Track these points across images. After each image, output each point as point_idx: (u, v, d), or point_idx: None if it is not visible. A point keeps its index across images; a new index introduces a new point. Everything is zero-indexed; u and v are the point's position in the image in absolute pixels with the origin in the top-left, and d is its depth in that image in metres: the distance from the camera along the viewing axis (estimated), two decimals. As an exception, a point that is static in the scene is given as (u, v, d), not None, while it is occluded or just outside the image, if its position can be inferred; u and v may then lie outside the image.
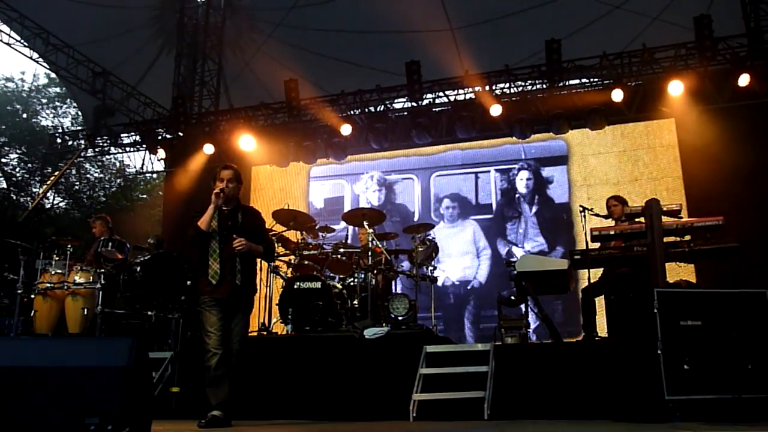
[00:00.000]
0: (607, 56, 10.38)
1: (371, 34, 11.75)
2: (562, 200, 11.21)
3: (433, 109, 11.44)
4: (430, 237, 8.17)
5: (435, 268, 8.16)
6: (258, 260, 5.45)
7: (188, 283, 7.43)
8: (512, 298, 6.98)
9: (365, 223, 7.61)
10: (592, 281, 6.94)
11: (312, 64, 12.51)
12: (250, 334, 5.91)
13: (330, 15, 11.72)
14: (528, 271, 6.58)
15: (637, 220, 6.38)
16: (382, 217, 8.02)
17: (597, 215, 7.09)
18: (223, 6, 13.23)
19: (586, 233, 6.38)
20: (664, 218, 5.91)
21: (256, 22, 13.09)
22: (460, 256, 11.41)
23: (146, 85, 13.66)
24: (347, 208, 11.67)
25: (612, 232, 6.26)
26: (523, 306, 6.86)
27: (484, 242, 11.43)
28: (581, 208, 6.96)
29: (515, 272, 6.69)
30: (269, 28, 12.77)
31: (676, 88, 9.79)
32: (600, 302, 7.03)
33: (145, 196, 26.43)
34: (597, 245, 6.40)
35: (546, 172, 11.43)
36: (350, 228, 8.50)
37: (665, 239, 5.82)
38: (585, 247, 6.43)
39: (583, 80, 10.84)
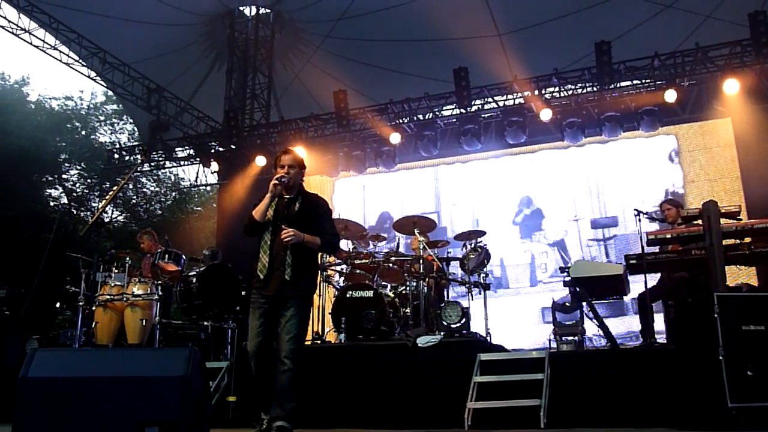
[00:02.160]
0: (659, 56, 10.17)
1: (418, 43, 11.78)
2: (616, 204, 11.03)
3: (482, 116, 11.38)
4: (481, 244, 8.12)
5: (487, 275, 8.10)
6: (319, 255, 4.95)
7: (243, 293, 7.54)
8: (567, 304, 6.88)
9: (416, 231, 7.60)
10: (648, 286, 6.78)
11: (360, 74, 12.62)
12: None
13: (376, 25, 11.79)
14: (582, 277, 6.48)
15: (694, 222, 6.21)
16: (432, 225, 8.01)
17: (652, 219, 6.95)
18: (272, 20, 13.44)
19: (641, 237, 6.25)
20: (723, 220, 5.74)
21: (304, 35, 13.26)
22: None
23: (199, 100, 13.98)
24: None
25: (669, 236, 6.12)
26: (578, 312, 6.75)
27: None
28: (636, 212, 6.82)
29: (569, 278, 6.59)
30: (317, 40, 12.92)
31: (731, 87, 9.53)
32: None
33: (199, 208, 26.98)
34: (652, 249, 6.27)
35: (599, 175, 11.28)
36: (402, 236, 8.49)
37: (724, 242, 5.65)
38: (641, 252, 6.29)
39: (635, 82, 10.64)
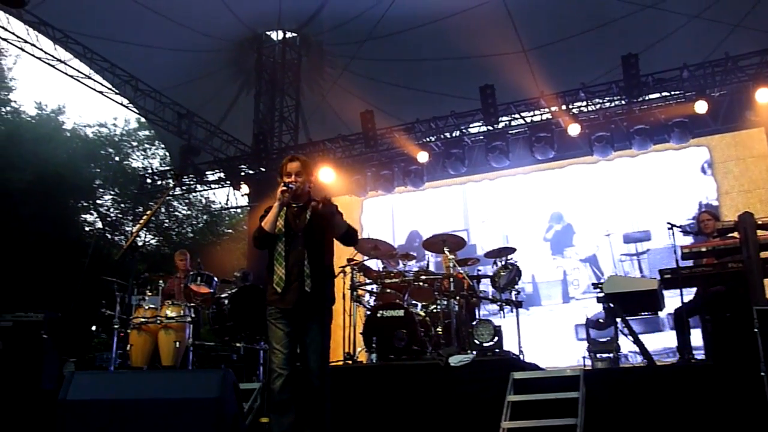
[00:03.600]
0: (688, 67, 10.06)
1: (444, 61, 11.81)
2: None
3: (509, 132, 11.35)
4: (512, 261, 8.05)
5: (519, 292, 8.02)
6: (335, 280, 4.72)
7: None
8: (600, 320, 6.78)
9: (446, 249, 7.57)
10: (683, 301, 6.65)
11: (386, 95, 12.69)
12: (334, 364, 5.93)
13: (402, 45, 11.86)
14: (616, 292, 6.38)
15: (730, 235, 6.09)
16: (462, 243, 7.97)
17: (686, 232, 6.83)
18: (299, 43, 13.59)
19: (675, 251, 6.14)
20: (760, 232, 5.62)
21: (330, 57, 13.39)
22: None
23: (228, 124, 14.15)
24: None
25: (704, 249, 6.00)
26: (612, 328, 6.65)
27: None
28: (669, 225, 6.71)
29: (602, 294, 6.50)
30: (344, 62, 13.03)
31: (764, 96, 9.38)
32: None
33: (230, 230, 27.21)
34: (686, 263, 6.15)
35: (629, 189, 11.15)
36: (431, 255, 8.46)
37: (762, 254, 5.52)
38: (675, 266, 6.18)
39: (664, 94, 10.53)
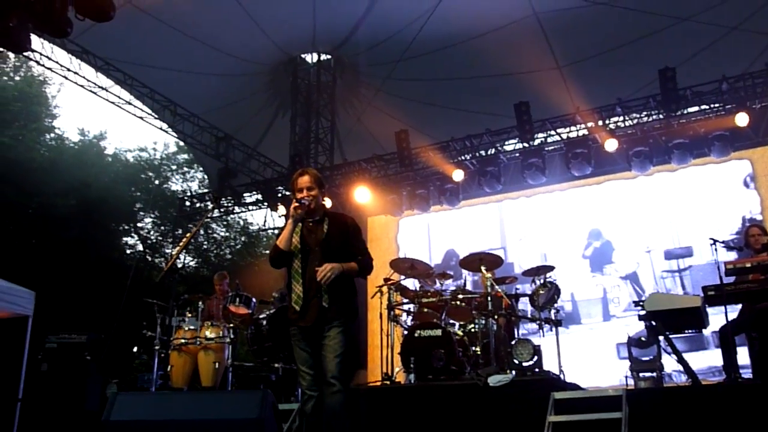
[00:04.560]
0: (727, 80, 9.90)
1: (478, 80, 11.81)
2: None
3: (546, 149, 11.28)
4: (550, 279, 7.97)
5: (558, 311, 7.93)
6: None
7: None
8: (643, 339, 6.66)
9: (483, 268, 7.53)
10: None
11: (421, 114, 12.72)
12: (372, 384, 5.91)
13: (435, 64, 11.89)
14: (658, 310, 6.27)
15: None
16: (499, 261, 7.92)
17: (729, 248, 6.68)
18: (334, 65, 13.72)
19: (719, 267, 6.02)
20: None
21: (364, 78, 13.49)
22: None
23: (265, 146, 14.33)
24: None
25: (749, 264, 5.87)
26: (655, 347, 6.52)
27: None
28: (711, 241, 6.58)
29: (644, 311, 6.40)
30: (378, 83, 13.12)
31: (807, 107, 9.18)
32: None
33: (268, 251, 27.36)
34: (730, 279, 6.02)
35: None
36: (468, 274, 8.43)
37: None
38: (719, 282, 6.05)
39: (703, 107, 10.37)
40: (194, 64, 12.12)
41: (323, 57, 13.70)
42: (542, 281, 7.85)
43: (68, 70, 11.40)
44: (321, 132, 13.59)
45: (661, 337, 6.39)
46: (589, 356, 10.37)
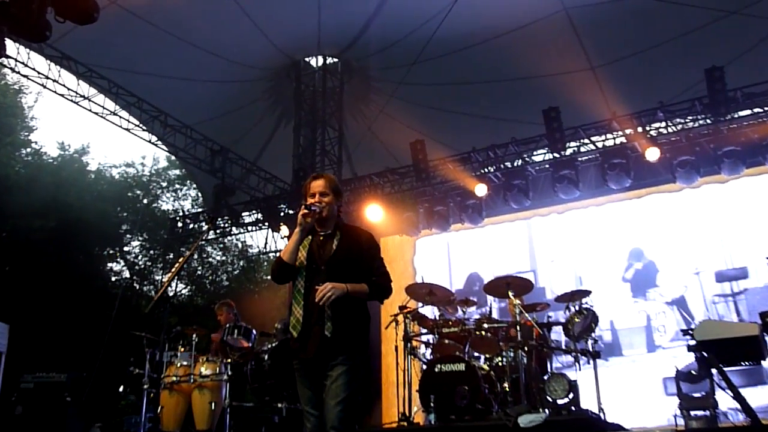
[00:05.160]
0: (784, 79, 9.88)
1: (501, 83, 11.85)
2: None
3: (579, 159, 11.26)
4: (587, 305, 7.92)
5: (596, 341, 7.87)
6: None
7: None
8: (693, 372, 6.59)
9: (510, 294, 7.49)
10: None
11: (438, 122, 12.77)
12: (387, 425, 5.88)
13: (454, 67, 11.94)
14: (710, 340, 6.20)
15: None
16: (529, 286, 7.89)
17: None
18: (341, 69, 13.78)
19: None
20: None
21: (375, 83, 13.55)
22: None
23: (265, 160, 14.41)
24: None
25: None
26: (707, 381, 6.45)
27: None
28: (768, 261, 6.53)
29: (694, 341, 6.34)
30: (390, 88, 13.18)
31: None
32: None
33: (268, 277, 27.46)
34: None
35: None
36: (494, 300, 8.40)
37: None
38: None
39: (756, 110, 10.32)
40: (187, 70, 12.23)
41: (329, 60, 13.79)
42: (577, 308, 7.80)
43: (46, 77, 11.53)
44: (327, 143, 13.64)
45: (714, 370, 6.32)
46: (632, 392, 10.26)
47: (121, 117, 12.65)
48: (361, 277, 4.12)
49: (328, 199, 4.21)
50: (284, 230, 13.02)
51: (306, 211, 4.11)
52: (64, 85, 11.73)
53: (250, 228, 14.55)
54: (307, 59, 13.81)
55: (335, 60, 13.78)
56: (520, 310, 7.40)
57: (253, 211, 14.07)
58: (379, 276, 4.23)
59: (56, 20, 6.47)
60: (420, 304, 8.16)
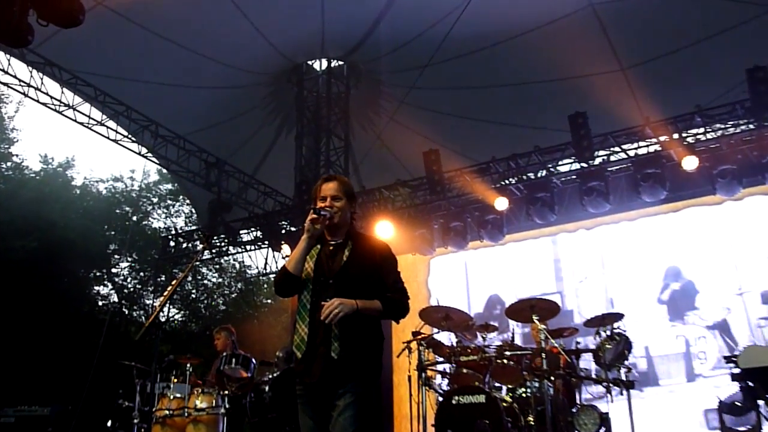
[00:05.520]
0: (835, 79, 9.85)
1: (522, 87, 11.88)
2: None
3: (609, 169, 11.25)
4: (619, 330, 7.88)
5: (630, 369, 7.83)
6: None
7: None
8: (737, 403, 6.56)
9: (535, 318, 7.48)
10: None
11: (454, 129, 12.79)
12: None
13: (471, 69, 11.98)
14: (756, 367, 6.17)
15: None
16: (555, 309, 7.86)
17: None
18: (347, 73, 13.84)
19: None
20: None
21: (385, 87, 13.59)
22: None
23: (265, 173, 14.46)
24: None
25: None
26: (752, 413, 6.42)
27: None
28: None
29: (738, 369, 6.31)
30: (401, 93, 13.21)
31: None
32: None
33: (269, 300, 27.54)
34: None
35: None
36: (517, 324, 8.37)
37: None
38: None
39: (806, 112, 10.30)
40: (179, 76, 12.31)
41: (334, 63, 13.87)
42: (609, 333, 7.76)
43: (28, 85, 11.63)
44: (333, 153, 13.67)
45: (760, 402, 6.29)
46: (669, 426, 10.23)
47: (108, 127, 12.73)
48: (375, 292, 3.98)
49: (341, 204, 4.10)
50: (285, 249, 13.04)
51: (315, 216, 3.99)
52: (47, 94, 11.82)
53: (248, 247, 14.59)
54: (309, 62, 13.88)
55: (340, 63, 13.86)
56: (546, 336, 7.37)
57: (252, 229, 14.12)
58: (395, 292, 4.07)
59: (38, 23, 6.53)
60: (435, 330, 8.14)
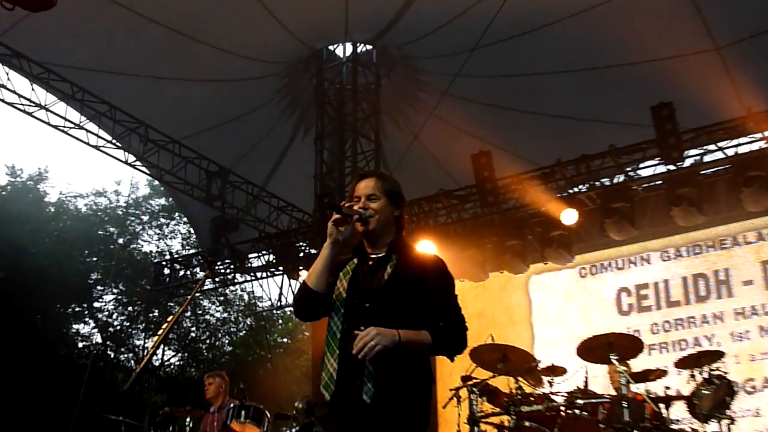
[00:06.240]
0: None
1: (593, 72, 11.81)
2: None
3: (702, 172, 11.16)
4: (718, 371, 7.80)
5: (733, 420, 7.73)
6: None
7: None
8: None
9: (613, 357, 7.42)
10: None
11: (510, 126, 12.76)
12: None
13: (528, 53, 11.93)
14: None
15: None
16: (638, 345, 7.80)
17: None
18: (376, 60, 13.83)
19: None
20: None
21: (423, 76, 13.57)
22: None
23: (278, 183, 14.51)
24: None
25: None
26: None
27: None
28: None
29: None
30: (443, 83, 13.18)
31: None
32: None
33: (286, 339, 27.59)
34: None
35: None
36: (590, 366, 8.31)
37: None
38: None
39: None
40: (173, 68, 12.40)
41: (361, 48, 13.86)
42: (706, 375, 7.68)
43: (-9, 82, 11.78)
44: (361, 158, 13.65)
45: None
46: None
47: (87, 131, 12.80)
48: (423, 320, 3.69)
49: (379, 204, 3.85)
50: (304, 276, 13.05)
51: (338, 216, 3.74)
52: (14, 92, 11.93)
53: (259, 274, 14.64)
54: (331, 47, 13.90)
55: (368, 47, 13.86)
56: (627, 380, 7.32)
57: (263, 252, 14.16)
58: (450, 321, 3.77)
59: (2, 6, 6.59)
60: (491, 375, 8.10)
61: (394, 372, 3.55)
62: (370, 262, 3.84)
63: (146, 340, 23.37)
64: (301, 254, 13.38)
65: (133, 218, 26.13)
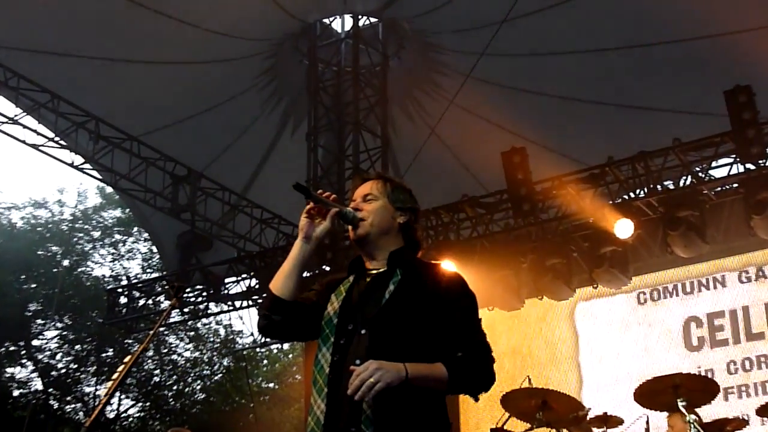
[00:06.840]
0: None
1: (651, 49, 11.84)
2: None
3: (790, 172, 11.20)
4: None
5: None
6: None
7: None
8: None
9: (680, 403, 7.44)
10: None
11: (545, 116, 12.78)
12: None
13: (569, 27, 11.95)
14: None
15: None
16: (714, 389, 7.81)
17: None
18: (383, 36, 13.84)
19: None
20: None
21: (441, 55, 13.59)
22: None
23: (261, 190, 14.53)
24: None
25: None
26: None
27: None
28: None
29: None
30: (465, 63, 13.18)
31: None
32: None
33: (272, 384, 27.57)
34: None
35: None
36: (651, 413, 8.34)
37: None
38: None
39: None
40: (132, 48, 12.41)
41: (363, 21, 13.88)
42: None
43: None
44: (364, 157, 13.66)
45: None
46: None
47: (24, 126, 12.79)
48: (436, 350, 3.48)
49: (374, 206, 3.76)
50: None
51: (312, 205, 3.75)
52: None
53: (238, 303, 14.64)
54: (326, 20, 13.92)
55: (373, 20, 13.87)
56: (698, 431, 7.33)
57: (243, 275, 14.16)
58: (471, 349, 3.57)
59: None
60: (529, 427, 8.13)
61: (399, 417, 3.35)
62: (368, 279, 3.71)
63: (98, 387, 23.43)
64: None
65: (81, 234, 26.14)
